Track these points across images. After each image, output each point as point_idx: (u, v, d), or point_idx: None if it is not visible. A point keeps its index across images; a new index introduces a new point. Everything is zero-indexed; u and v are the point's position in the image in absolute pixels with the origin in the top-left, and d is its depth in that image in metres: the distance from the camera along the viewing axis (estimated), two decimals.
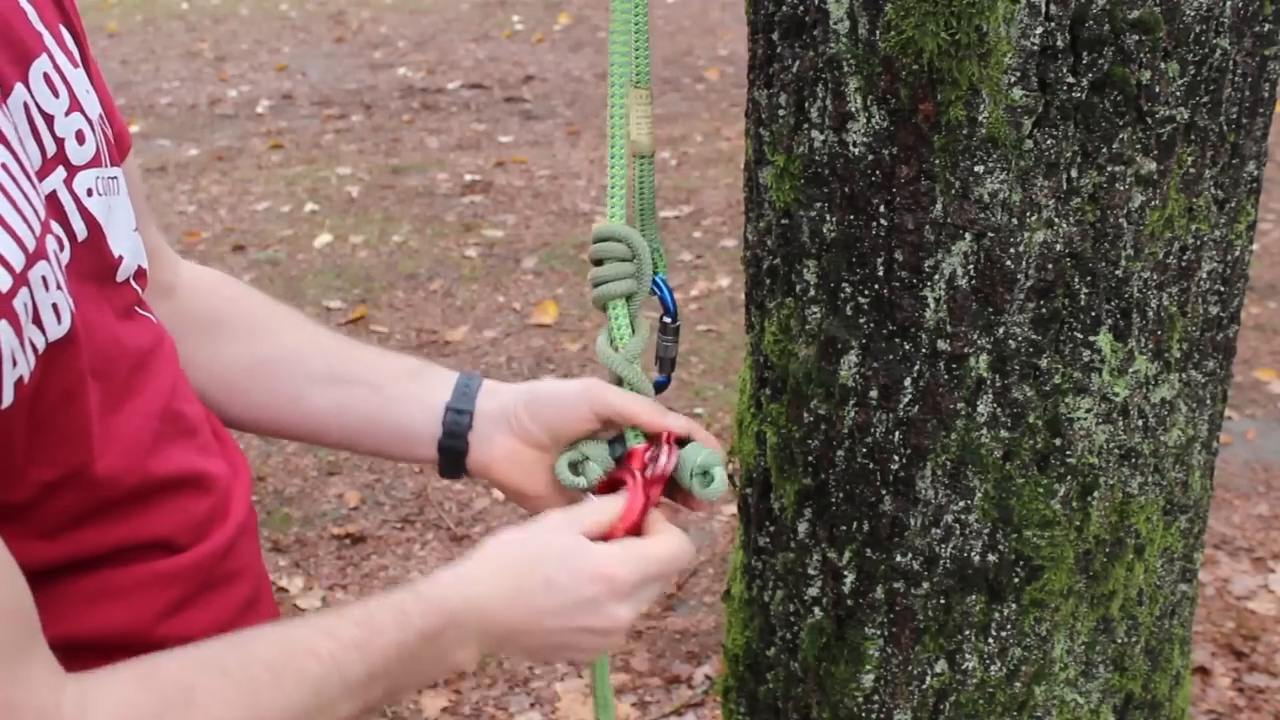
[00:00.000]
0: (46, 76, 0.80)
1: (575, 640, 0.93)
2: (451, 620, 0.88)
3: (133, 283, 0.89)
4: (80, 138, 0.82)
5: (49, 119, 0.79)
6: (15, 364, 0.70)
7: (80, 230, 0.81)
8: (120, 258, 0.86)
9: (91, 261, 0.82)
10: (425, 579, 0.91)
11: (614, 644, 0.95)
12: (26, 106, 0.77)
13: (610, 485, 1.00)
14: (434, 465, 1.04)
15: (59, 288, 0.74)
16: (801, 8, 1.10)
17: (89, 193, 0.82)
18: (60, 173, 0.80)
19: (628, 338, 1.02)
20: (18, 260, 0.70)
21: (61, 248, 0.78)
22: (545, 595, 0.90)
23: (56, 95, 0.81)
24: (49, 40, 0.82)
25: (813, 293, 1.18)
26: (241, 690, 0.80)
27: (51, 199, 0.79)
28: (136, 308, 0.89)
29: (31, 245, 0.71)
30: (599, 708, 1.17)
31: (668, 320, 1.13)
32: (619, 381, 1.04)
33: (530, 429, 1.02)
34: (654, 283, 1.15)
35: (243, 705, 0.79)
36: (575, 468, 1.00)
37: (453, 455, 1.03)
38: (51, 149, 0.79)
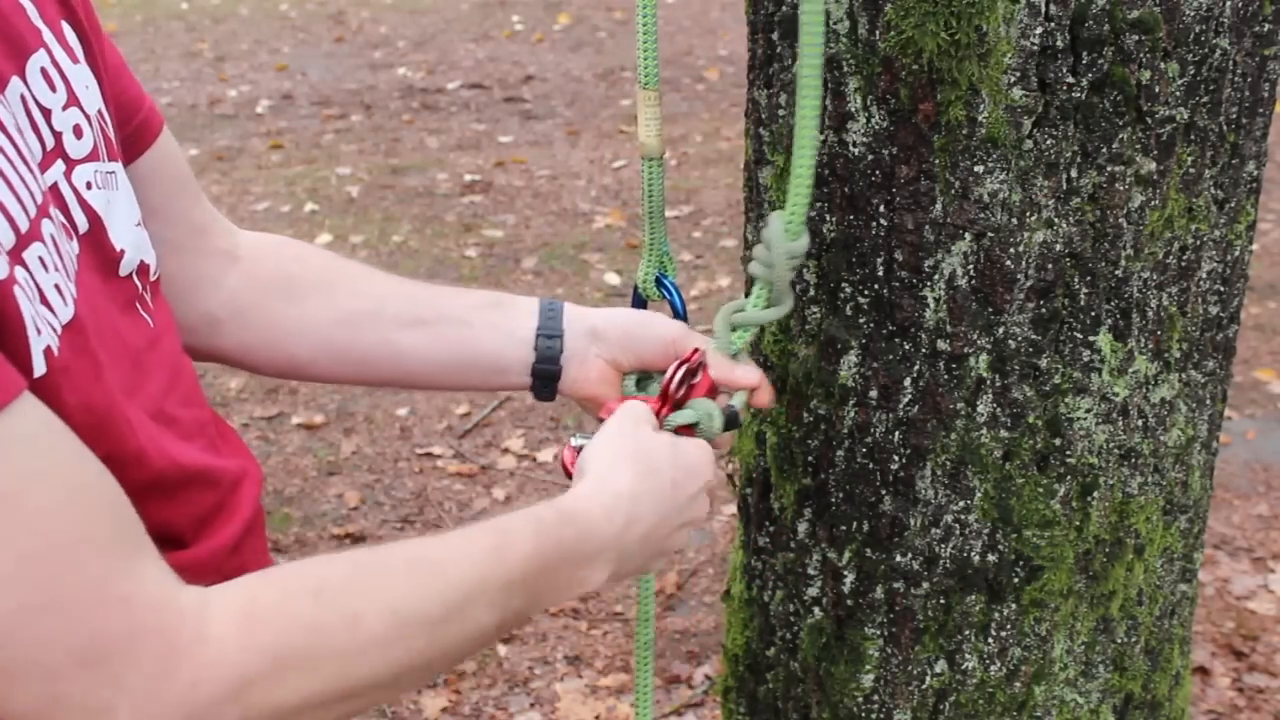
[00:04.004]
0: (44, 71, 0.80)
1: (679, 538, 0.99)
2: (588, 530, 0.90)
3: (135, 278, 0.89)
4: (78, 132, 0.83)
5: (46, 113, 0.80)
6: (40, 332, 0.70)
7: (81, 223, 0.82)
8: (121, 251, 0.86)
9: (94, 255, 0.83)
10: (561, 496, 0.93)
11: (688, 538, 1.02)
12: (24, 99, 0.77)
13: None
14: (526, 390, 1.10)
15: (56, 270, 0.74)
16: None
17: (88, 186, 0.83)
18: (60, 165, 0.80)
19: (749, 307, 1.09)
20: (8, 239, 0.70)
21: (70, 238, 0.79)
22: (672, 494, 0.96)
23: (54, 90, 0.81)
24: (48, 36, 0.83)
25: (813, 293, 1.18)
26: (374, 581, 0.78)
27: (53, 191, 0.79)
28: (136, 304, 0.89)
29: (25, 226, 0.71)
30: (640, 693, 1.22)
31: None
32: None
33: (620, 358, 1.09)
34: (664, 285, 1.18)
35: (375, 596, 0.77)
36: (640, 383, 1.12)
37: (546, 379, 1.08)
38: (50, 142, 0.80)
